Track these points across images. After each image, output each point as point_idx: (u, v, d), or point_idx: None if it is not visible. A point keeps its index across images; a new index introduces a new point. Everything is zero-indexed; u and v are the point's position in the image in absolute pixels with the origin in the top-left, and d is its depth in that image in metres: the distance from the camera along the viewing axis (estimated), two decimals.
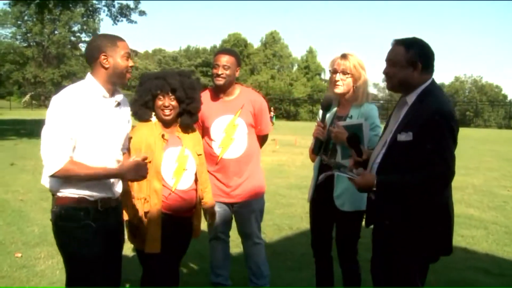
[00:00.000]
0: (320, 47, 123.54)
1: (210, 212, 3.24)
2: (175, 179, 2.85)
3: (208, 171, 3.37)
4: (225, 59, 3.36)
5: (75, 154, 2.37)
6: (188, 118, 2.95)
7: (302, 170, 10.36)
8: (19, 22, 49.54)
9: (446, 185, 2.32)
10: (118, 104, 2.55)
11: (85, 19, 36.09)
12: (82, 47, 53.57)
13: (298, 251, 4.83)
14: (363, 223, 2.90)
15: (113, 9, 24.89)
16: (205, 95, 3.46)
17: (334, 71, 3.10)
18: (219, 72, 3.34)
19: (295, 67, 63.53)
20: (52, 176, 2.30)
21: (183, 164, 2.88)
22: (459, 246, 5.07)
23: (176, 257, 3.07)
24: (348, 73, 3.05)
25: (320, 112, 3.12)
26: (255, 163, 3.54)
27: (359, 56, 3.11)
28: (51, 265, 4.23)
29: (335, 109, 3.19)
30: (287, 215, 6.43)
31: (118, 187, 2.58)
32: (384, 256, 2.51)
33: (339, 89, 3.08)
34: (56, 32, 48.59)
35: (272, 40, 60.01)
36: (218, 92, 3.44)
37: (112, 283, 2.62)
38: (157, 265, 2.89)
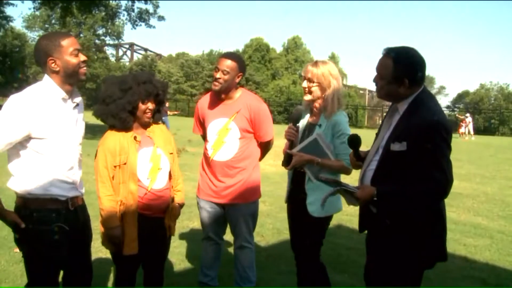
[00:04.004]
0: (343, 53, 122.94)
1: (176, 211, 3.10)
2: (150, 179, 2.88)
3: (204, 170, 3.49)
4: (226, 64, 3.30)
5: (42, 153, 2.38)
6: (158, 116, 3.02)
7: None
8: (46, 26, 50.64)
9: (445, 195, 2.29)
10: (77, 105, 2.58)
11: (109, 22, 36.57)
12: (107, 50, 54.60)
13: (293, 255, 4.78)
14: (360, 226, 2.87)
15: (133, 14, 25.26)
16: (207, 97, 3.53)
17: (304, 78, 3.10)
18: (217, 76, 3.30)
19: None
20: None
21: (157, 163, 2.91)
22: (459, 255, 4.99)
23: (158, 259, 3.08)
24: (314, 81, 3.03)
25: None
26: (250, 168, 3.49)
27: (331, 64, 3.07)
28: None
29: (307, 116, 3.21)
30: None
31: (81, 186, 2.63)
32: (379, 261, 2.48)
33: (306, 97, 3.10)
34: (81, 35, 49.55)
35: (294, 45, 59.67)
36: (217, 95, 3.44)
37: (83, 282, 2.67)
38: (135, 267, 2.95)
